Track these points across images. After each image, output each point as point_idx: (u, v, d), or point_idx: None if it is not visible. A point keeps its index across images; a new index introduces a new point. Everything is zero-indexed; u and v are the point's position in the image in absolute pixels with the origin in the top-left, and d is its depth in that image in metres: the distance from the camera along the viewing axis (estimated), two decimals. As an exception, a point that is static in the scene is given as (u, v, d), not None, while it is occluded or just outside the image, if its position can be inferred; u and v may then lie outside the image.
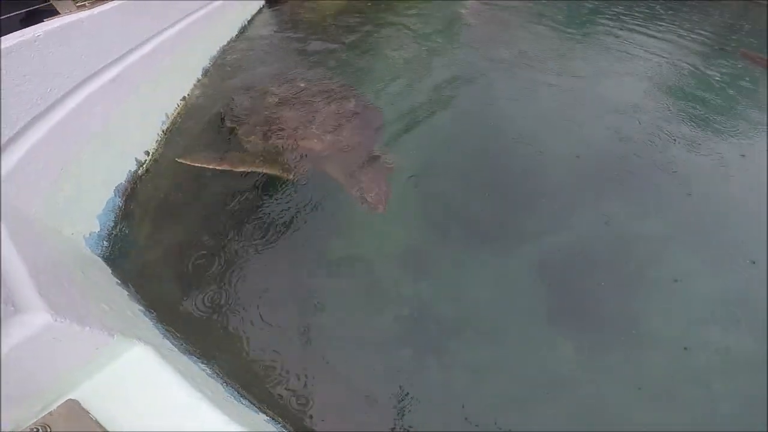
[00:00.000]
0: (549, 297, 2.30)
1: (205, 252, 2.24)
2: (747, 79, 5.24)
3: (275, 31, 5.42)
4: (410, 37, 5.36)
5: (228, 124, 3.22)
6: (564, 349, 2.09)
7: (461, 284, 2.34)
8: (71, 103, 2.29)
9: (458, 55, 4.94)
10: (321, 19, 5.85)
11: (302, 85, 3.79)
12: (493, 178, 3.03)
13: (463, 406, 1.84)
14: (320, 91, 3.65)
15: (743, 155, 3.60)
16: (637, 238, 2.70)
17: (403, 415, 1.79)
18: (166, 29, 3.40)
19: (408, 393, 1.85)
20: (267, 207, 2.53)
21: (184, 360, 1.66)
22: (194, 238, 2.30)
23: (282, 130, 3.10)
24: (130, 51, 2.91)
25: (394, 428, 1.75)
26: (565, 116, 3.85)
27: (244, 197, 2.57)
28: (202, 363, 1.75)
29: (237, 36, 4.83)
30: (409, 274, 2.34)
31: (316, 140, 3.00)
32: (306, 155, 2.92)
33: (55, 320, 1.25)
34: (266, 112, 3.35)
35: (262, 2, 6.02)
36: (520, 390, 1.95)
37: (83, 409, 1.27)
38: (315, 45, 4.91)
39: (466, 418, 1.80)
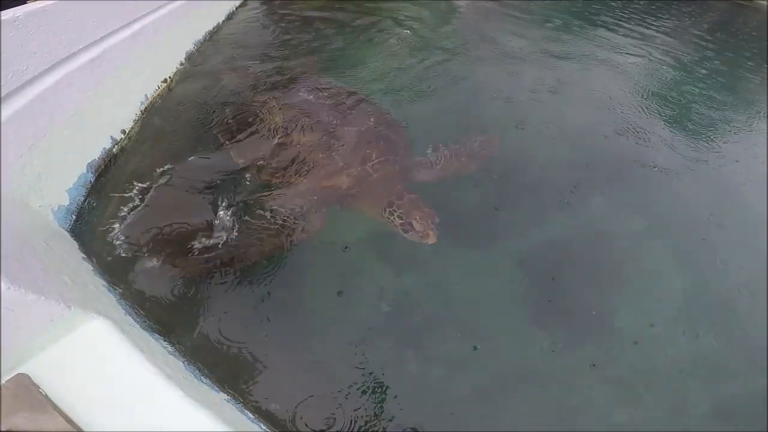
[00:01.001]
0: (529, 292, 2.35)
1: (176, 232, 2.22)
2: (730, 79, 5.42)
3: (264, 20, 5.32)
4: (404, 30, 5.36)
5: (236, 157, 2.74)
6: (542, 343, 2.12)
7: (441, 278, 2.37)
8: (47, 82, 2.27)
9: (451, 49, 4.98)
10: (313, 8, 5.74)
11: (310, 97, 3.21)
12: (474, 171, 3.03)
13: (439, 397, 1.87)
14: (333, 104, 3.09)
15: (723, 155, 3.74)
16: (618, 235, 2.78)
17: (372, 401, 1.80)
18: (149, 13, 3.36)
19: (379, 380, 1.86)
20: (241, 191, 2.51)
21: (145, 336, 1.66)
22: (166, 218, 2.28)
23: (297, 162, 2.59)
24: (111, 33, 2.87)
25: (359, 413, 1.76)
26: (551, 112, 3.92)
27: (217, 180, 2.56)
28: (165, 341, 1.75)
29: (224, 22, 4.79)
30: (389, 266, 2.36)
31: (344, 176, 2.53)
32: (331, 195, 2.53)
33: (9, 288, 1.24)
34: (274, 140, 2.77)
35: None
36: (497, 382, 1.99)
37: (34, 383, 1.25)
38: (309, 37, 4.79)
39: (442, 409, 1.84)
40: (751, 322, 2.39)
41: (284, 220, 2.31)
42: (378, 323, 2.09)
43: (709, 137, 3.97)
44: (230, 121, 2.99)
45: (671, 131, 3.91)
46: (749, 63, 6.45)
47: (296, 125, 2.84)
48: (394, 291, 2.24)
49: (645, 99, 4.45)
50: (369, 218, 2.49)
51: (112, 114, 2.68)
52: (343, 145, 2.67)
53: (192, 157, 2.67)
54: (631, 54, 5.66)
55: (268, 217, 2.31)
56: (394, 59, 4.54)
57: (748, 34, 7.92)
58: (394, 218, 2.35)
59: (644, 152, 3.52)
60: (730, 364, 2.22)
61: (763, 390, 2.07)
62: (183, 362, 1.67)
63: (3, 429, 1.13)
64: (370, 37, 5.13)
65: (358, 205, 2.55)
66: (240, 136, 2.84)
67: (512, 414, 1.88)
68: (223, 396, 1.63)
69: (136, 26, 3.10)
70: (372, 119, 2.99)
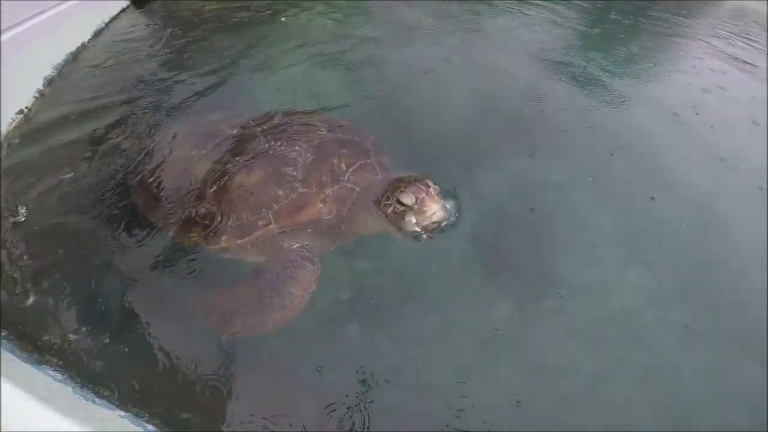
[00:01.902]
0: (479, 259, 2.48)
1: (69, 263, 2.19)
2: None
3: (145, 36, 4.72)
4: (306, 24, 5.27)
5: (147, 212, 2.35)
6: (501, 305, 2.28)
7: (391, 256, 2.44)
8: None
9: (362, 34, 4.99)
10: (201, 15, 5.27)
11: (227, 127, 2.58)
12: (400, 143, 3.07)
13: (410, 374, 1.95)
14: (266, 129, 2.49)
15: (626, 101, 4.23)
16: (548, 188, 2.99)
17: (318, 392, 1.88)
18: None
19: (325, 367, 1.94)
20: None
21: (25, 369, 1.66)
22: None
23: (254, 211, 2.08)
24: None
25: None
26: (461, 80, 4.23)
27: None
28: (54, 371, 1.75)
29: (90, 41, 4.42)
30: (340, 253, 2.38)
31: (318, 203, 2.11)
32: (319, 237, 2.16)
33: None
34: (209, 197, 2.18)
35: (127, 2, 5.41)
36: (466, 350, 2.10)
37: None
38: (196, 47, 4.34)
39: (415, 386, 1.93)
40: (689, 252, 2.70)
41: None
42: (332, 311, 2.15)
43: (614, 86, 4.47)
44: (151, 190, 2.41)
45: (575, 83, 4.40)
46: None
47: (230, 167, 2.26)
48: (348, 279, 2.28)
49: (545, 59, 4.88)
50: (383, 233, 2.21)
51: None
52: (300, 169, 2.19)
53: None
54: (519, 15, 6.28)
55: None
56: (309, 56, 4.33)
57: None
58: (389, 209, 2.00)
59: (554, 107, 3.87)
60: (680, 294, 2.43)
61: (726, 316, 2.35)
62: (72, 387, 1.69)
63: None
64: (270, 35, 4.83)
65: (357, 227, 2.20)
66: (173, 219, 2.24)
67: (488, 381, 2.00)
68: (119, 413, 1.68)
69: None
70: (322, 128, 2.49)
